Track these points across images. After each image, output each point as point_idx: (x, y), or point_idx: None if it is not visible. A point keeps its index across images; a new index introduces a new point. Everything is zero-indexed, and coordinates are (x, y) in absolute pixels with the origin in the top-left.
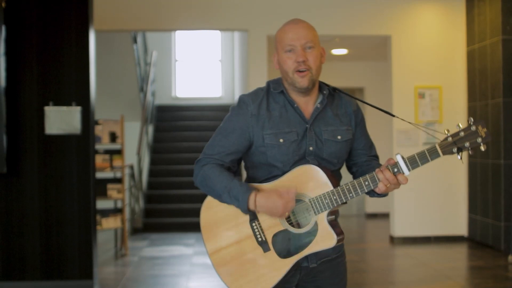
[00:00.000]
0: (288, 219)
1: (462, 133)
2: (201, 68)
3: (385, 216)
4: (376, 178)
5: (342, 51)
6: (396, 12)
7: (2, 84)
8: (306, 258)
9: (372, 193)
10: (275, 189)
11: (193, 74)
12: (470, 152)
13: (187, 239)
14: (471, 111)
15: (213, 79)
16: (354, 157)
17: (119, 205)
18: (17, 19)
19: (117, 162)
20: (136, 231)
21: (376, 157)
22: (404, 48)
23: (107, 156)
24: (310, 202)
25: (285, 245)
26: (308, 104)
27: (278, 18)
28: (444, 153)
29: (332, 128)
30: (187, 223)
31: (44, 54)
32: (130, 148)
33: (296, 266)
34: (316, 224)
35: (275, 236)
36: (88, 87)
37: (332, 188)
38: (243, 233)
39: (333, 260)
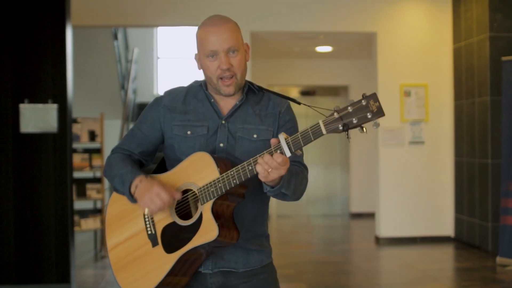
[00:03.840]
0: (178, 210)
1: (350, 108)
2: (183, 65)
3: (370, 216)
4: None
5: (327, 49)
6: (382, 8)
7: None
8: (201, 262)
9: (267, 187)
10: (152, 183)
11: (175, 72)
12: (360, 130)
13: None
14: (458, 109)
15: (195, 77)
16: None
17: (98, 205)
18: None
19: (96, 161)
20: None
21: (301, 164)
22: (389, 45)
23: (86, 155)
24: (198, 191)
25: (171, 238)
26: (228, 102)
27: (262, 14)
28: (328, 131)
29: (249, 126)
30: None
31: (19, 50)
32: (110, 147)
33: (198, 276)
34: (201, 215)
35: (164, 229)
36: (65, 84)
37: (218, 175)
38: (137, 226)
39: (254, 277)
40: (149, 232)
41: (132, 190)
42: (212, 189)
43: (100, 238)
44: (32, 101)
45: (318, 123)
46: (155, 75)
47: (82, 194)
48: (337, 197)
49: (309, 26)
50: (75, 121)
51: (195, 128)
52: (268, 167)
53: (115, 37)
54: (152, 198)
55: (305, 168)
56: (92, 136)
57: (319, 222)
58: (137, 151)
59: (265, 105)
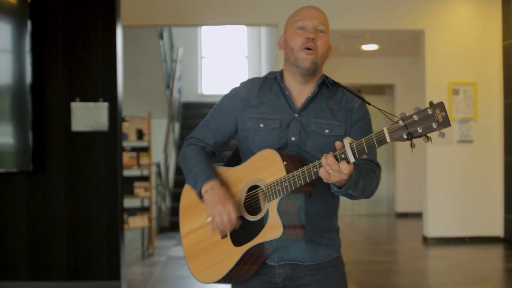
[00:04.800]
0: (247, 205)
1: (415, 117)
2: (227, 64)
3: (416, 215)
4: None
5: (373, 47)
6: (430, 6)
7: (28, 80)
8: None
9: (333, 187)
10: (227, 198)
11: (219, 71)
12: (425, 139)
13: None
14: (508, 108)
15: (240, 76)
16: None
17: (146, 203)
18: (43, 15)
19: (144, 160)
20: (163, 230)
21: (373, 162)
22: (437, 43)
23: (134, 154)
24: (265, 188)
25: (239, 232)
26: (302, 94)
27: None
28: (392, 139)
29: (322, 121)
30: None
31: (71, 50)
32: (156, 146)
33: (268, 267)
34: (267, 212)
35: None
36: (115, 83)
37: (284, 174)
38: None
39: (321, 270)
40: None
41: (203, 191)
42: (278, 188)
43: (147, 236)
44: (83, 100)
45: (383, 130)
46: (199, 74)
47: (130, 192)
48: (383, 196)
49: (356, 24)
50: (123, 120)
51: (268, 121)
52: (329, 169)
53: (161, 37)
54: (222, 213)
55: (377, 167)
56: (140, 134)
57: (364, 222)
58: (211, 142)
59: (338, 100)
